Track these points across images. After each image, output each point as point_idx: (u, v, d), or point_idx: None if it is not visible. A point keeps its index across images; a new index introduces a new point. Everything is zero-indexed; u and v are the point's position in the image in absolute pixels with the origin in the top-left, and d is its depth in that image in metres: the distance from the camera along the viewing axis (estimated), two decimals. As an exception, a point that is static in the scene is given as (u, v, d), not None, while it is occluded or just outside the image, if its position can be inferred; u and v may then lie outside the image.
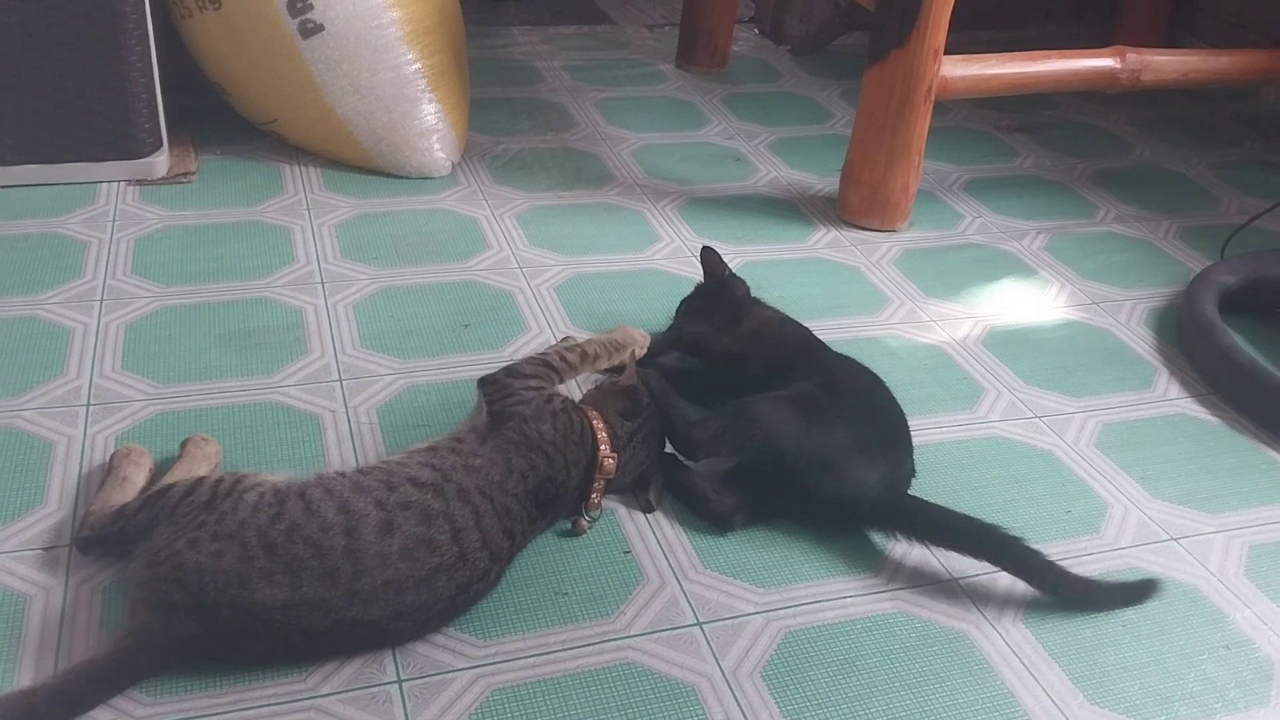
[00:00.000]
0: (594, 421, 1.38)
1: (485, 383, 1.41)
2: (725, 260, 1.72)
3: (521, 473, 1.28)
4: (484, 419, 1.36)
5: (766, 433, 1.39)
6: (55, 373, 1.58)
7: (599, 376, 1.65)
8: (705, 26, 2.94)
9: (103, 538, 1.24)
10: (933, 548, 1.40)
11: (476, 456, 1.28)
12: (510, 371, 1.42)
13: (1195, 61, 2.35)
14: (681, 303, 1.74)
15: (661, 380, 1.49)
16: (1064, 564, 1.41)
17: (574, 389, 1.61)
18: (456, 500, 1.21)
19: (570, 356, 1.49)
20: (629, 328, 1.63)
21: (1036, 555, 1.33)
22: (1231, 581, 1.42)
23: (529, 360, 1.46)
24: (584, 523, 1.38)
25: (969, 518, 1.37)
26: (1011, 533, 1.34)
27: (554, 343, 1.60)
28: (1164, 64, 2.29)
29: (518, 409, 1.34)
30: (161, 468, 1.38)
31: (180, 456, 1.38)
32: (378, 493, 1.20)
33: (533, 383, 1.40)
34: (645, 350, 1.61)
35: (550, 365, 1.46)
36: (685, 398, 1.56)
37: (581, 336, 1.60)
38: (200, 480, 1.23)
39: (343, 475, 1.24)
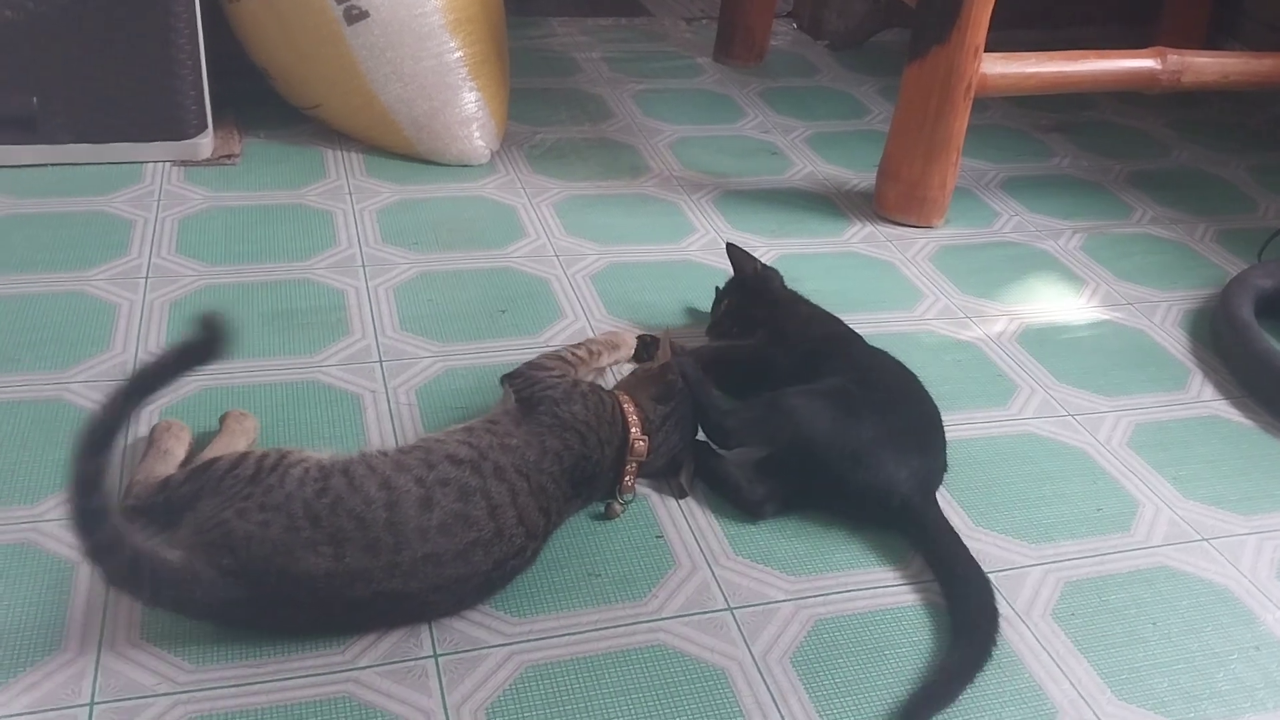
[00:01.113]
0: (624, 404, 1.40)
1: (510, 377, 1.46)
2: (756, 254, 1.73)
3: (556, 453, 1.31)
4: (514, 406, 1.39)
5: (798, 425, 1.41)
6: (102, 347, 1.61)
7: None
8: (743, 20, 2.94)
9: (147, 507, 1.27)
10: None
11: (512, 437, 1.31)
12: (531, 365, 1.47)
13: (1237, 64, 2.33)
14: (718, 295, 1.75)
15: (696, 368, 1.50)
16: (1094, 560, 1.42)
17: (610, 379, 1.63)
18: (493, 478, 1.24)
19: (579, 352, 1.56)
20: (618, 330, 1.70)
21: (982, 648, 1.26)
22: (1263, 583, 1.42)
23: (545, 355, 1.51)
24: (617, 507, 1.40)
25: (970, 575, 1.34)
26: (989, 610, 1.30)
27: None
28: (1205, 65, 2.28)
29: (547, 393, 1.38)
30: (201, 442, 1.41)
31: (220, 430, 1.41)
32: (417, 470, 1.23)
33: (555, 372, 1.45)
34: (627, 353, 1.66)
35: (565, 359, 1.52)
36: (719, 387, 1.57)
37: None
38: (245, 455, 1.26)
39: (384, 454, 1.27)
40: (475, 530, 1.20)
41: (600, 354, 1.59)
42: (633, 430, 1.38)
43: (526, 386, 1.40)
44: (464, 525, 1.20)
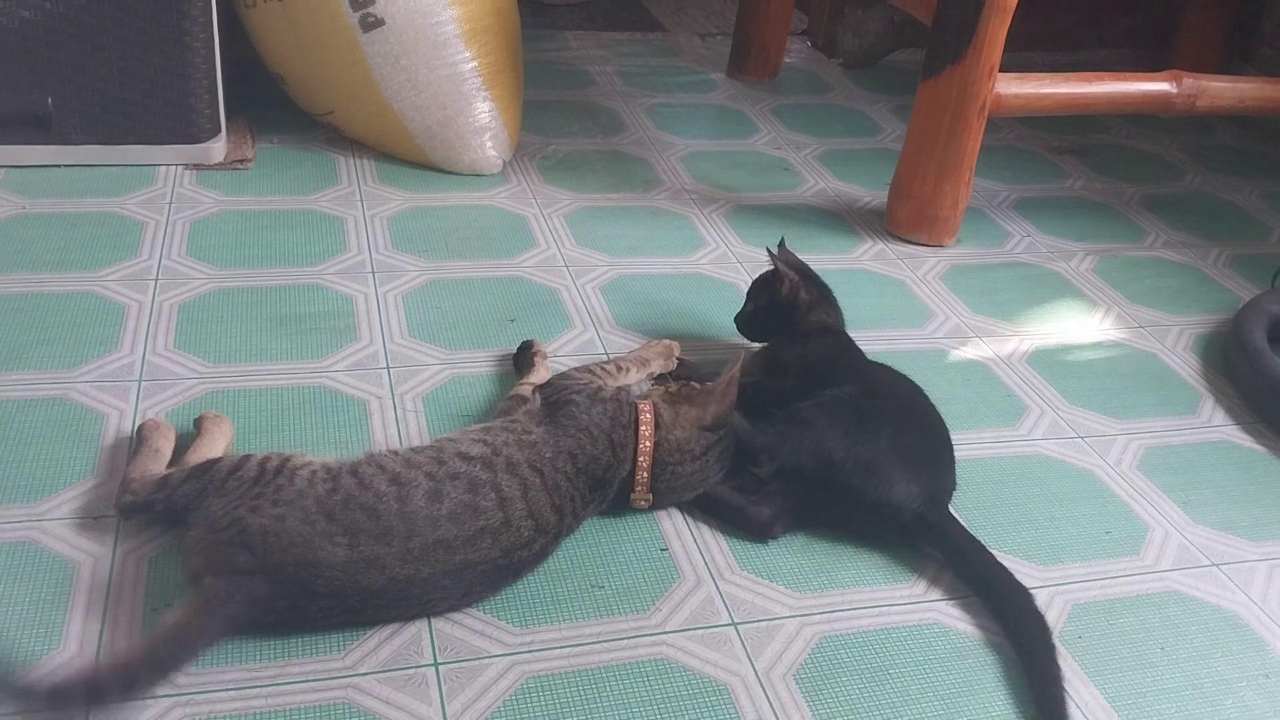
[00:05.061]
0: (642, 413, 1.40)
1: (541, 386, 1.47)
2: (764, 269, 1.71)
3: (570, 452, 1.32)
4: (537, 408, 1.41)
5: (818, 438, 1.40)
6: (110, 348, 1.61)
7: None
8: (758, 37, 2.95)
9: (147, 504, 1.28)
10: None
11: (530, 434, 1.32)
12: (562, 375, 1.48)
13: (1252, 89, 2.33)
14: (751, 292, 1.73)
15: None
16: (1102, 584, 1.41)
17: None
18: (505, 473, 1.26)
19: (609, 367, 1.56)
20: (654, 344, 1.67)
21: (1039, 633, 1.29)
22: (1273, 610, 1.41)
23: (575, 369, 1.52)
24: (640, 503, 1.40)
25: (995, 568, 1.35)
26: (1025, 600, 1.32)
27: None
28: (1220, 90, 2.27)
29: (573, 397, 1.39)
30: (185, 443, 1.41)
31: (198, 433, 1.41)
32: (428, 467, 1.25)
33: (582, 380, 1.45)
34: (672, 363, 1.65)
35: (593, 373, 1.52)
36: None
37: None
38: (246, 457, 1.26)
39: (394, 453, 1.28)
40: (483, 519, 1.22)
41: (629, 370, 1.59)
42: (644, 441, 1.38)
43: (554, 393, 1.42)
44: (473, 514, 1.21)
